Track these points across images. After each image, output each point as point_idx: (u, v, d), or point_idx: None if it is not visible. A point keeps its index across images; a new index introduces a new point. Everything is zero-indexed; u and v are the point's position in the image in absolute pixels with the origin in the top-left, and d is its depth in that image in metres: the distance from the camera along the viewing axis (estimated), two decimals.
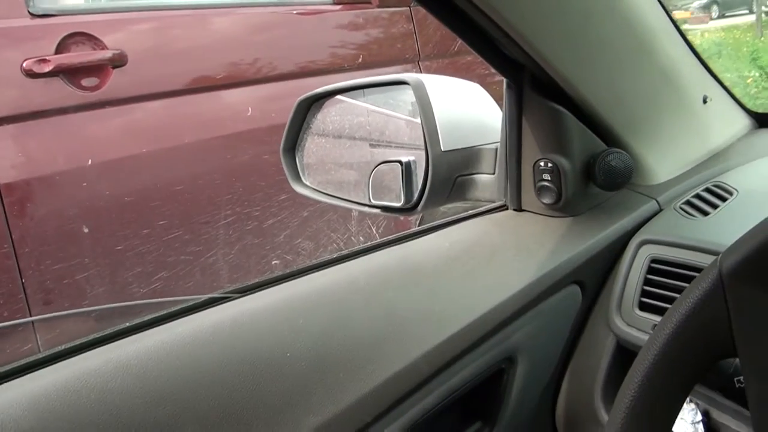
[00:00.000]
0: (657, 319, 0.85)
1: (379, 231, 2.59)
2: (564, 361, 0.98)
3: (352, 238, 2.55)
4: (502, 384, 0.90)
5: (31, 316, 1.93)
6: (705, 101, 1.08)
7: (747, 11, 15.96)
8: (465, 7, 0.75)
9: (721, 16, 15.64)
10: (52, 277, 1.95)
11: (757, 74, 7.16)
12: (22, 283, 1.89)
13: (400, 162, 1.09)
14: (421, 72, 2.76)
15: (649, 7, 0.91)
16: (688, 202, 0.97)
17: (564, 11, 0.79)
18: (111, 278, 2.07)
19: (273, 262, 2.39)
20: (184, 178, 2.20)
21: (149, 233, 2.10)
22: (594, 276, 0.95)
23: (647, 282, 0.89)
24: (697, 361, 0.52)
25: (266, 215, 2.36)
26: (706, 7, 15.82)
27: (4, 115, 1.86)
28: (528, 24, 0.78)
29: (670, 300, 0.84)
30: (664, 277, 0.87)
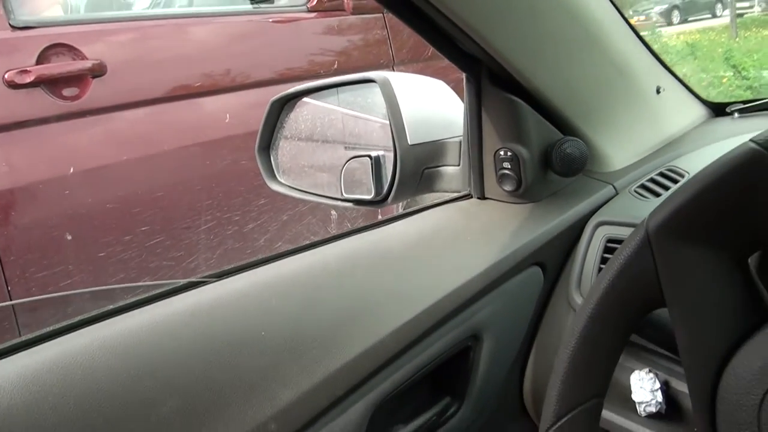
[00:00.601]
0: None
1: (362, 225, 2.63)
2: (530, 338, 1.03)
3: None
4: (469, 361, 0.95)
5: (17, 325, 1.96)
6: (658, 92, 1.14)
7: (710, 15, 16.17)
8: (423, 6, 0.80)
9: (684, 21, 15.81)
10: (37, 284, 1.98)
11: (731, 74, 7.31)
12: (8, 292, 1.92)
13: (369, 156, 1.15)
14: None
15: (597, 4, 0.97)
16: (643, 186, 1.03)
17: (514, 8, 0.84)
18: (94, 285, 2.10)
19: (266, 254, 2.42)
20: (165, 184, 2.24)
21: (131, 239, 2.14)
22: (554, 257, 1.01)
23: (604, 261, 0.95)
24: (631, 311, 0.57)
25: (246, 220, 2.41)
26: (666, 13, 16.00)
27: None
28: (481, 21, 0.83)
29: None
30: None
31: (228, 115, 2.38)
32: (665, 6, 16.74)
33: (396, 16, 0.88)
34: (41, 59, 1.99)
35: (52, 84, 2.00)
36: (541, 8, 0.87)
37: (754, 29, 13.19)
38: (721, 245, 0.54)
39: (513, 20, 0.86)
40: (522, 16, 0.86)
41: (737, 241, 0.54)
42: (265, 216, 2.44)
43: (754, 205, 0.51)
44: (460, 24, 0.83)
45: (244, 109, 2.41)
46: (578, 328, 0.58)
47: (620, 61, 1.03)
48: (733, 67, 7.23)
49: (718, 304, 0.54)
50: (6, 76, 1.92)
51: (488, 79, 0.98)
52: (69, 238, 2.04)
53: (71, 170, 2.03)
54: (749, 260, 0.55)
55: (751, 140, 0.52)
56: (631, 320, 0.58)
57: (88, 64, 2.07)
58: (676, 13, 16.78)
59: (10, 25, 1.97)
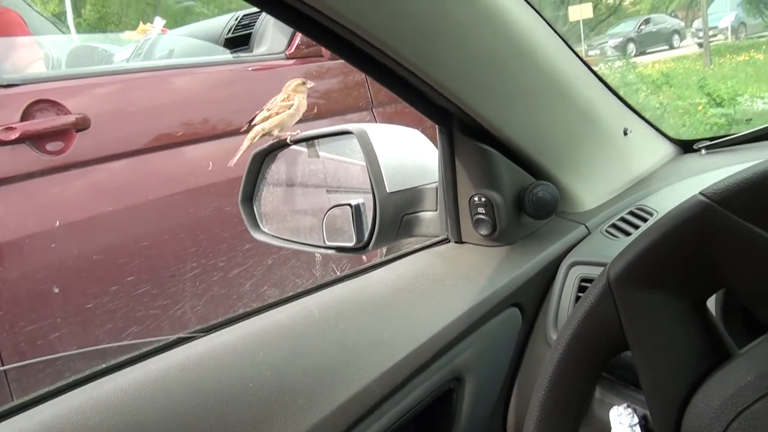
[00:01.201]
0: None
1: (343, 273, 2.65)
2: (511, 378, 1.06)
3: (323, 281, 2.61)
4: (452, 403, 0.98)
5: (7, 379, 1.96)
6: (626, 133, 1.19)
7: (667, 47, 16.40)
8: (392, 65, 0.84)
9: (640, 53, 16.01)
10: (26, 339, 1.99)
11: (705, 101, 7.46)
12: None
13: (350, 205, 1.18)
14: (375, 118, 2.86)
15: (562, 54, 1.01)
16: (613, 225, 1.07)
17: (480, 63, 0.89)
18: (82, 336, 2.11)
19: (251, 307, 2.44)
20: (150, 233, 2.26)
21: (118, 290, 2.15)
22: (531, 298, 1.04)
23: (578, 299, 0.98)
24: (597, 355, 0.61)
25: (231, 265, 2.42)
26: (621, 46, 16.24)
27: None
28: (450, 77, 0.88)
29: None
30: None
31: (211, 163, 2.41)
32: (620, 39, 17.04)
33: (367, 74, 0.92)
34: (26, 115, 2.02)
35: (37, 139, 2.03)
36: (507, 62, 0.92)
37: (728, 55, 13.46)
38: (678, 290, 0.57)
39: (480, 75, 0.90)
40: (489, 70, 0.90)
41: (693, 286, 0.57)
42: (250, 261, 2.45)
43: (706, 253, 0.55)
44: (430, 81, 0.87)
45: (226, 156, 2.44)
46: (548, 373, 0.61)
47: (586, 107, 1.08)
48: (708, 95, 7.39)
49: (678, 347, 0.57)
50: None
51: (460, 129, 1.02)
52: (56, 290, 2.05)
53: (57, 223, 2.05)
54: (716, 299, 0.59)
55: (700, 193, 0.55)
56: (598, 363, 0.61)
57: (71, 118, 2.10)
58: (631, 46, 17.05)
59: None
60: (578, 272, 1.01)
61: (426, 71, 0.86)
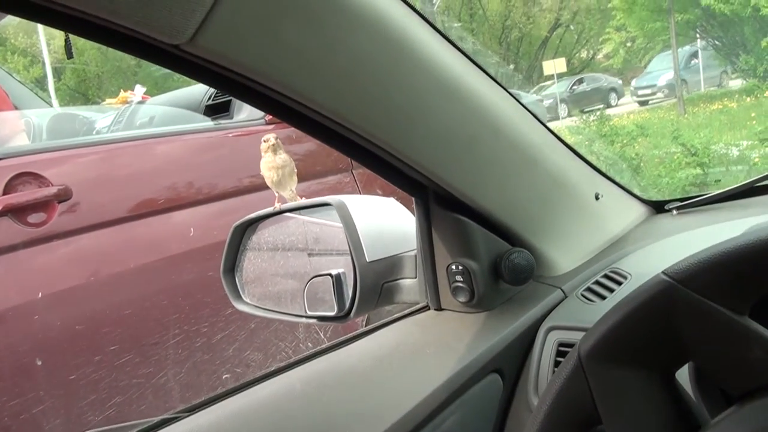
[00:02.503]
0: None
1: (327, 335, 2.66)
2: None
3: (300, 345, 2.61)
4: None
5: None
6: (597, 197, 1.22)
7: (603, 106, 16.67)
8: (364, 143, 0.88)
9: (570, 114, 16.19)
10: (9, 413, 1.96)
11: (680, 151, 7.60)
12: None
13: (330, 275, 1.20)
14: (355, 179, 2.90)
15: (530, 125, 1.05)
16: (589, 289, 1.10)
17: (452, 140, 0.92)
18: (66, 409, 2.09)
19: (224, 377, 2.44)
20: (132, 301, 2.26)
21: (101, 359, 2.14)
22: (511, 363, 1.06)
23: (557, 364, 1.00)
24: (572, 430, 0.62)
25: (214, 330, 2.42)
26: (552, 108, 16.47)
27: None
28: (422, 153, 0.91)
29: None
30: None
31: (192, 229, 2.42)
32: (550, 101, 17.29)
33: (340, 151, 0.95)
34: (7, 189, 2.04)
35: (19, 212, 2.04)
36: (477, 137, 0.95)
37: (701, 104, 13.75)
38: (647, 365, 0.59)
39: (452, 150, 0.94)
40: (460, 145, 0.94)
41: (661, 361, 0.59)
42: (232, 325, 2.45)
43: (671, 329, 0.57)
44: (403, 157, 0.91)
45: (208, 221, 2.46)
46: None
47: (557, 174, 1.11)
48: (682, 144, 7.53)
49: (649, 420, 0.59)
50: None
51: (435, 200, 1.05)
52: (39, 363, 2.04)
53: (40, 294, 2.05)
54: (689, 369, 0.61)
55: (663, 272, 0.58)
56: None
57: (53, 190, 2.12)
58: (563, 106, 17.30)
59: None
60: (556, 337, 1.03)
61: (398, 148, 0.89)
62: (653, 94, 17.73)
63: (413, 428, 0.93)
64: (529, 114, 1.05)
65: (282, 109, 0.82)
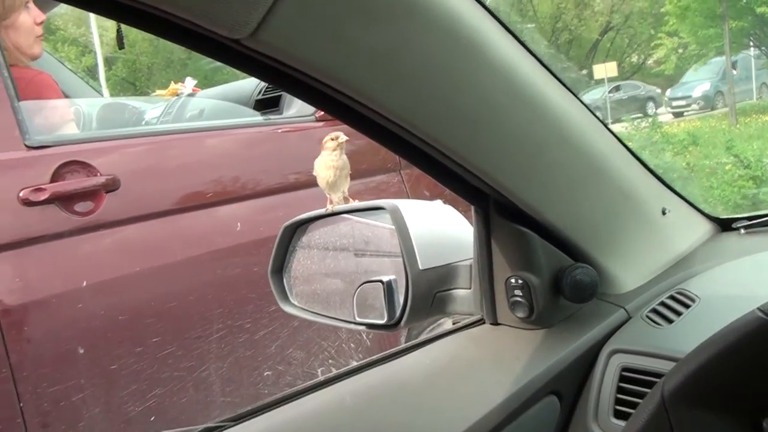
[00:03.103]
0: None
1: (369, 337, 2.63)
2: None
3: (343, 345, 2.58)
4: None
5: None
6: (664, 213, 1.16)
7: (641, 115, 16.08)
8: (425, 147, 0.83)
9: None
10: (50, 399, 1.97)
11: (732, 161, 7.40)
12: (20, 408, 1.91)
13: (381, 282, 1.16)
14: (403, 180, 2.85)
15: (600, 133, 1.00)
16: (654, 310, 1.04)
17: (519, 146, 0.87)
18: (106, 398, 2.09)
19: (265, 374, 2.42)
20: (176, 294, 2.25)
21: (143, 351, 2.14)
22: (570, 385, 1.00)
23: (620, 390, 0.94)
24: None
25: (257, 327, 2.40)
26: None
27: (1, 242, 1.92)
28: (487, 160, 0.86)
29: None
30: (636, 385, 0.92)
31: (239, 223, 2.41)
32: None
33: (398, 155, 0.91)
34: (56, 177, 2.04)
35: (66, 200, 2.04)
36: (545, 144, 0.90)
37: (753, 115, 13.42)
38: (735, 410, 0.54)
39: (518, 158, 0.89)
40: (526, 153, 0.89)
41: (751, 406, 0.54)
42: (276, 323, 2.43)
43: (765, 372, 0.52)
44: (465, 163, 0.86)
45: (255, 217, 2.44)
46: None
47: (625, 186, 1.05)
48: (735, 156, 7.33)
49: None
50: (21, 194, 1.97)
51: (495, 210, 1.00)
52: (81, 351, 2.04)
53: (84, 283, 2.05)
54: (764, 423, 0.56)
55: (758, 309, 0.53)
56: None
57: (101, 179, 2.12)
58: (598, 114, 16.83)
59: (25, 145, 2.02)
60: (619, 360, 0.97)
61: (461, 154, 0.84)
62: (688, 105, 17.32)
63: None
64: (598, 120, 0.99)
65: (339, 106, 0.78)
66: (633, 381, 0.93)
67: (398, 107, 0.77)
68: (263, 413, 0.86)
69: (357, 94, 0.74)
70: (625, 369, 0.95)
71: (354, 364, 1.00)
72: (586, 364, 1.00)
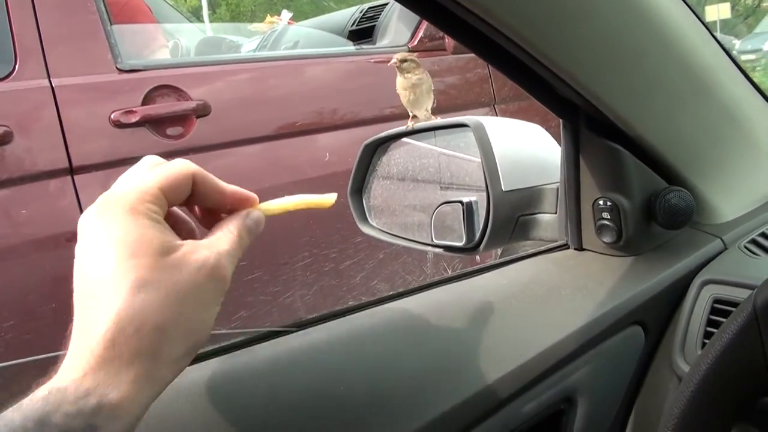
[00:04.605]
0: None
1: (455, 269, 2.59)
2: (628, 404, 0.96)
3: (427, 280, 2.56)
4: (561, 425, 0.89)
5: None
6: None
7: None
8: (515, 51, 0.77)
9: None
10: None
11: None
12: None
13: (461, 202, 1.11)
14: (497, 115, 2.77)
15: (708, 46, 0.90)
16: (753, 241, 0.95)
17: (616, 52, 0.79)
18: None
19: (349, 303, 2.42)
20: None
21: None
22: (656, 316, 0.94)
23: (710, 323, 0.87)
24: (735, 398, 0.51)
25: (343, 257, 2.40)
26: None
27: (94, 162, 1.97)
28: (580, 66, 0.79)
29: None
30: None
31: (327, 154, 2.39)
32: None
33: (487, 61, 0.84)
34: (147, 100, 2.06)
35: (157, 123, 2.06)
36: (649, 52, 0.81)
37: None
38: None
39: (617, 64, 0.81)
40: (627, 60, 0.81)
41: None
42: (361, 254, 2.43)
43: None
44: (557, 70, 0.79)
45: (343, 148, 2.42)
46: (677, 412, 0.52)
47: (731, 106, 0.96)
48: None
49: None
50: (112, 116, 2.00)
51: (586, 125, 0.93)
52: None
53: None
54: None
55: None
56: (737, 406, 0.51)
57: (192, 104, 2.13)
58: None
59: (117, 68, 2.05)
60: (712, 292, 0.89)
61: (553, 59, 0.77)
62: (757, 60, 15.90)
63: (539, 375, 0.84)
64: (705, 29, 0.90)
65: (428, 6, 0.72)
66: (725, 313, 0.86)
67: (493, 6, 0.70)
68: (327, 322, 0.84)
69: None
70: (717, 300, 0.88)
71: (426, 281, 0.96)
72: (675, 294, 0.93)
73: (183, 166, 0.54)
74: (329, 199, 0.66)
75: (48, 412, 0.42)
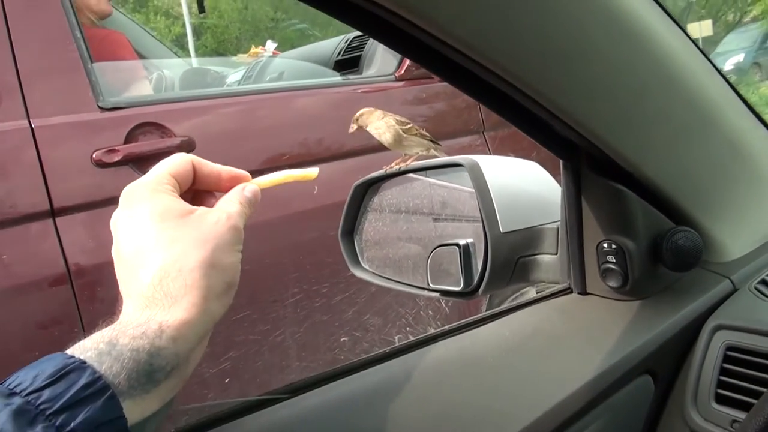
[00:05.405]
0: (736, 413, 0.78)
1: (448, 305, 2.54)
2: None
3: (421, 312, 2.51)
4: None
5: None
6: None
7: None
8: (509, 91, 0.72)
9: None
10: None
11: None
12: None
13: (458, 245, 1.06)
14: (486, 142, 2.74)
15: (711, 79, 0.86)
16: (764, 281, 0.91)
17: (617, 90, 0.75)
18: None
19: (341, 339, 2.37)
20: (251, 257, 2.18)
21: None
22: (666, 364, 0.89)
23: (723, 372, 0.83)
24: None
25: (334, 291, 2.35)
26: (741, 69, 14.84)
27: (76, 203, 1.91)
28: (580, 105, 0.75)
29: (749, 392, 0.77)
30: (742, 367, 0.81)
31: (316, 187, 2.34)
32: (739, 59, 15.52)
33: (480, 102, 0.80)
34: (129, 138, 2.01)
35: (140, 161, 2.01)
36: (648, 87, 0.77)
37: None
38: None
39: (616, 102, 0.77)
40: (627, 97, 0.76)
41: None
42: (353, 288, 2.37)
43: None
44: (555, 110, 0.75)
45: (332, 179, 2.37)
46: None
47: (737, 141, 0.92)
48: None
49: None
50: (94, 155, 1.94)
51: (588, 165, 0.88)
52: None
53: None
54: None
55: None
56: None
57: (176, 141, 2.08)
58: (756, 70, 15.49)
59: (98, 106, 2.00)
60: (724, 338, 0.85)
61: (551, 98, 0.73)
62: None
63: None
64: (708, 61, 0.86)
65: (418, 49, 0.68)
66: (739, 362, 0.81)
67: (481, 43, 0.66)
68: (321, 386, 0.78)
69: (435, 29, 0.64)
70: (730, 348, 0.83)
71: (424, 334, 0.91)
72: (685, 341, 0.89)
73: (182, 155, 0.66)
74: (312, 172, 0.73)
75: (116, 335, 0.50)
